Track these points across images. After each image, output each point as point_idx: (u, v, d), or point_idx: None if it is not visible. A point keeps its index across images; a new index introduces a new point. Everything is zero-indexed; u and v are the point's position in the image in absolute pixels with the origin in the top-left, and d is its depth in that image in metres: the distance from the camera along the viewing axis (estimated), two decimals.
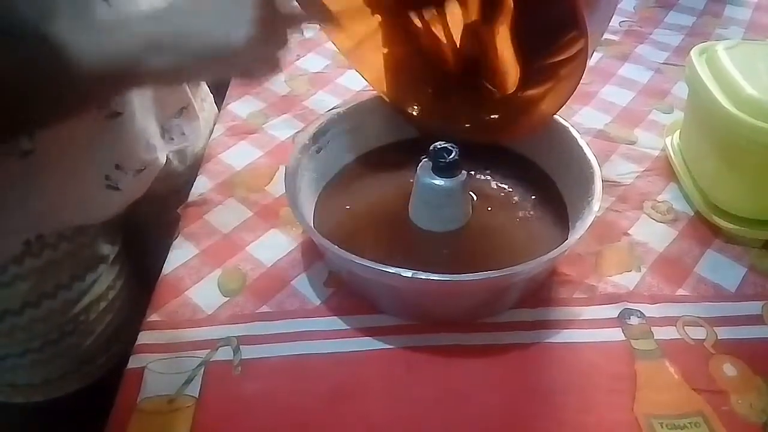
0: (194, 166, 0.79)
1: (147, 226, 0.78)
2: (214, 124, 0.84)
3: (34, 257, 0.63)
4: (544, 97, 0.66)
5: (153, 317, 0.61)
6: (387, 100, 0.72)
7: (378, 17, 0.69)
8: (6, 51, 0.45)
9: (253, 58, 0.51)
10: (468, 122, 0.71)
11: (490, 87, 0.70)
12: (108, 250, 0.70)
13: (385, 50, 0.70)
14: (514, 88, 0.68)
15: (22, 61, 0.46)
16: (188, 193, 0.74)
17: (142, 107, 0.67)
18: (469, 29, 0.69)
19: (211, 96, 0.87)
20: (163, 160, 0.72)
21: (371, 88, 0.73)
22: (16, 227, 0.61)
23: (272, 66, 0.54)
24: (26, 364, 0.67)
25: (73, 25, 0.48)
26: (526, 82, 0.67)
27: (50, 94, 0.48)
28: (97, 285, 0.69)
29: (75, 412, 0.71)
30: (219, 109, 0.88)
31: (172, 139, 0.76)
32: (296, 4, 0.55)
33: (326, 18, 0.59)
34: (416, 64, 0.72)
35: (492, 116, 0.70)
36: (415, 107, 0.72)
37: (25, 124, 0.50)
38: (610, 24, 1.02)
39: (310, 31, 1.01)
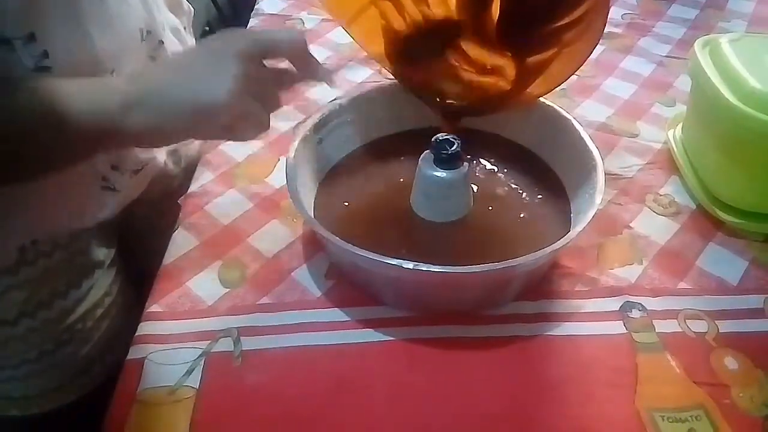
0: (188, 168, 0.78)
1: (141, 229, 0.77)
2: None
3: (29, 266, 0.62)
4: (549, 63, 0.65)
5: (153, 308, 0.61)
6: (389, 71, 0.71)
7: None
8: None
9: (236, 115, 0.50)
10: (471, 93, 0.70)
11: (491, 55, 0.69)
12: (103, 255, 0.69)
13: (383, 22, 0.69)
14: (516, 56, 0.66)
15: (13, 110, 0.46)
16: (182, 196, 0.74)
17: None
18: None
19: None
20: (162, 160, 0.72)
21: (373, 80, 0.72)
22: (11, 233, 0.60)
23: (259, 125, 0.53)
24: (22, 375, 0.66)
25: (63, 80, 0.48)
26: (529, 48, 0.66)
27: (40, 145, 0.47)
28: (93, 291, 0.68)
29: (72, 423, 0.70)
30: None
31: None
32: (289, 63, 0.54)
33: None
34: (414, 34, 0.71)
35: (496, 84, 0.69)
36: (416, 80, 0.71)
37: (11, 175, 0.49)
38: (613, 16, 1.03)
39: (312, 22, 1.01)
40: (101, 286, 0.69)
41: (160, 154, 0.72)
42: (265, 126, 0.53)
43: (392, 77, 0.72)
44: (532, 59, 0.65)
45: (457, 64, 0.68)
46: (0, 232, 0.59)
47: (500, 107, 0.69)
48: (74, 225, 0.64)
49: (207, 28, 1.49)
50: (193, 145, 0.80)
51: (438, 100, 0.69)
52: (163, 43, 0.65)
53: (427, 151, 0.62)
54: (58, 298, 0.65)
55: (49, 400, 0.69)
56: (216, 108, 0.48)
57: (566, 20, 0.61)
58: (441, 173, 0.61)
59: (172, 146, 0.76)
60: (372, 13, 0.68)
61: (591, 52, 0.59)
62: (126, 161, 0.66)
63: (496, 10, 0.65)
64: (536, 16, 0.62)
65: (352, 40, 0.71)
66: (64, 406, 0.69)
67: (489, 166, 0.70)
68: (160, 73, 0.52)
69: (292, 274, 0.63)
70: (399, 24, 0.69)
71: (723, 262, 0.64)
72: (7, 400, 0.69)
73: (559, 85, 0.66)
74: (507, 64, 0.66)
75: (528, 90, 0.67)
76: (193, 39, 0.80)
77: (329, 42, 0.96)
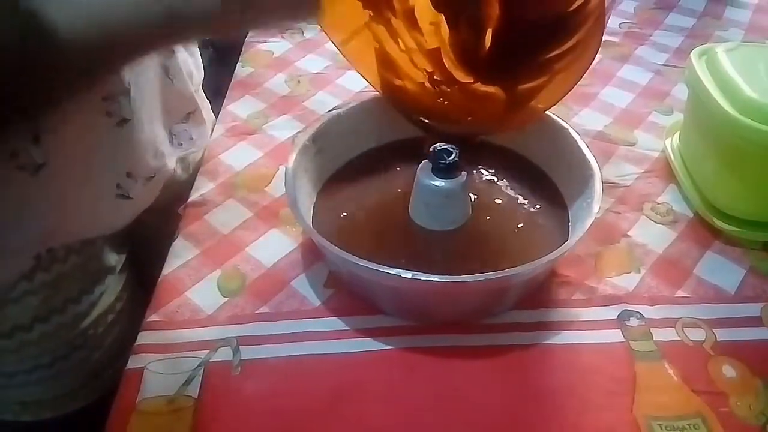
0: (195, 175, 0.78)
1: (150, 236, 0.77)
2: (212, 132, 0.84)
3: (44, 272, 0.62)
4: (540, 90, 0.65)
5: (153, 317, 0.61)
6: (381, 94, 0.72)
7: (369, 12, 0.68)
8: None
9: None
10: (461, 117, 0.70)
11: (483, 81, 0.69)
12: (115, 260, 0.70)
13: (377, 45, 0.70)
14: (509, 83, 0.67)
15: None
16: None
17: (149, 113, 0.66)
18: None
19: (208, 103, 0.86)
20: (172, 167, 0.72)
21: (371, 89, 0.73)
22: (28, 243, 0.61)
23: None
24: (36, 380, 0.67)
25: None
26: (520, 77, 0.66)
27: (36, 73, 0.41)
28: (105, 297, 0.68)
29: (84, 427, 0.70)
30: (219, 110, 0.87)
31: (181, 144, 0.76)
32: None
33: None
34: (405, 59, 0.71)
35: (487, 110, 0.69)
36: (409, 103, 0.71)
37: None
38: (610, 25, 1.03)
39: (311, 31, 1.02)
40: (113, 292, 0.69)
41: (171, 161, 0.72)
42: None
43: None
44: (523, 87, 0.65)
45: (447, 90, 0.69)
46: (19, 241, 0.60)
47: (490, 131, 0.70)
48: (90, 234, 0.65)
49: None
50: (200, 152, 0.81)
51: (428, 122, 0.69)
52: None
53: (426, 160, 0.63)
54: (72, 304, 0.65)
55: (61, 404, 0.69)
56: None
57: (558, 51, 0.62)
58: (439, 182, 0.61)
59: (186, 151, 0.76)
60: (366, 35, 0.68)
61: (582, 76, 0.59)
62: (139, 168, 0.66)
63: (488, 40, 0.66)
64: (529, 48, 0.63)
65: None
66: (76, 411, 0.70)
67: (487, 175, 0.71)
68: None
69: (291, 283, 0.64)
70: (392, 49, 0.69)
71: (721, 270, 0.65)
72: (20, 404, 0.69)
73: (549, 109, 0.66)
74: (497, 91, 0.67)
75: (518, 114, 0.68)
76: None
77: (327, 51, 0.97)
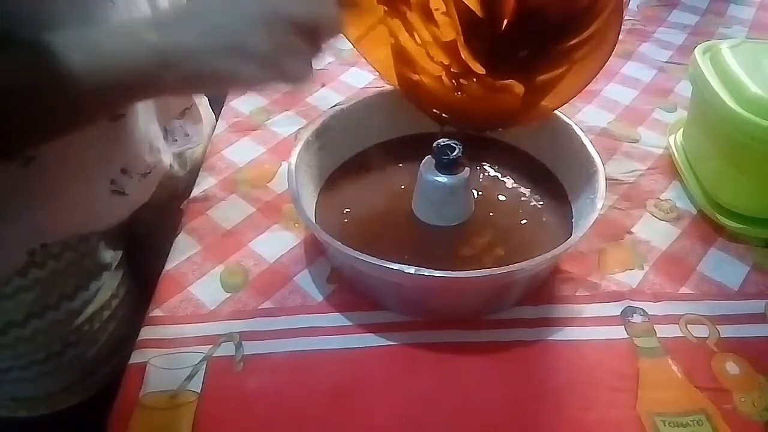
0: (194, 171, 0.78)
1: (147, 232, 0.77)
2: (213, 129, 0.84)
3: (39, 268, 0.62)
4: (559, 81, 0.65)
5: (155, 312, 0.61)
6: (397, 89, 0.71)
7: (384, 8, 0.68)
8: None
9: (277, 47, 0.48)
10: (479, 110, 0.70)
11: (500, 74, 0.69)
12: (110, 257, 0.70)
13: (392, 40, 0.70)
14: (527, 75, 0.67)
15: (13, 70, 0.44)
16: (187, 199, 0.74)
17: (144, 109, 0.66)
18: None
19: (206, 99, 0.86)
20: (168, 163, 0.72)
21: (374, 85, 0.73)
22: (21, 237, 0.61)
23: (304, 56, 0.51)
24: (30, 376, 0.67)
25: (73, 34, 0.46)
26: (539, 67, 0.66)
27: (44, 104, 0.45)
28: (101, 294, 0.68)
29: (80, 424, 0.70)
30: (222, 106, 0.87)
31: (176, 140, 0.76)
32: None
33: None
34: (422, 53, 0.71)
35: (505, 102, 0.69)
36: (425, 97, 0.71)
37: (21, 137, 0.47)
38: None
39: None
40: (108, 288, 0.69)
41: (166, 157, 0.72)
42: (311, 57, 0.51)
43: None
44: (542, 77, 0.65)
45: (465, 82, 0.69)
46: (11, 235, 0.60)
47: (509, 124, 0.70)
48: (84, 229, 0.65)
49: None
50: (198, 149, 0.81)
51: (446, 117, 0.69)
52: None
53: (429, 156, 0.63)
54: (66, 300, 0.65)
55: (56, 401, 0.69)
56: (255, 45, 0.47)
57: (577, 39, 0.62)
58: (442, 178, 0.61)
59: (182, 147, 0.76)
60: (381, 31, 0.68)
61: (602, 66, 0.59)
62: (134, 164, 0.66)
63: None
64: (545, 38, 0.62)
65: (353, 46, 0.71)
66: (71, 407, 0.70)
67: (490, 171, 0.71)
68: (190, 23, 0.48)
69: (294, 278, 0.64)
70: (408, 43, 0.69)
71: (724, 267, 0.65)
72: (15, 401, 0.69)
73: (569, 100, 0.65)
74: (515, 83, 0.66)
75: (537, 106, 0.67)
76: None
77: (330, 48, 0.96)
